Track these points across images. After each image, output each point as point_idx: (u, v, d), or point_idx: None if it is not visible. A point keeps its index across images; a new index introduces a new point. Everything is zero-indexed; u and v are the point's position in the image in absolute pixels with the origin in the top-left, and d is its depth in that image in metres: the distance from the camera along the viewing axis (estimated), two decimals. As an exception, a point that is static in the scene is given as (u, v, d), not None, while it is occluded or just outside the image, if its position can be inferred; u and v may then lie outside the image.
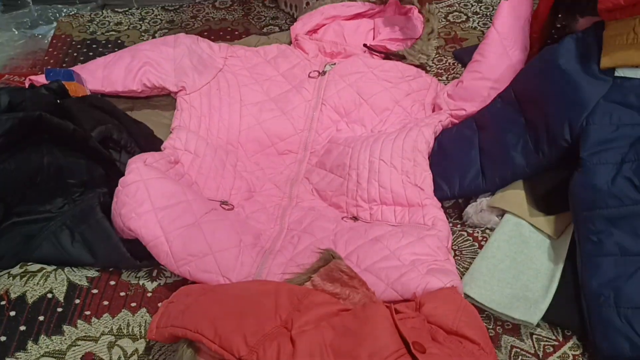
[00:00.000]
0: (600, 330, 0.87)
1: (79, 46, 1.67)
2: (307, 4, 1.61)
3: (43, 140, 1.05)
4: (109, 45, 1.67)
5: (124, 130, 1.12)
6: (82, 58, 1.62)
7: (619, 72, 1.04)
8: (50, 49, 1.67)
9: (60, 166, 1.06)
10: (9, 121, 0.97)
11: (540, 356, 0.89)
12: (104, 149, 1.10)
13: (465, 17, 1.67)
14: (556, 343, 0.90)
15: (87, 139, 1.05)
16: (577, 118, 1.01)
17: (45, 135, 1.05)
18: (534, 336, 0.91)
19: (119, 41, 1.69)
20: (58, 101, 1.14)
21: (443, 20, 1.66)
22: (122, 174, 1.07)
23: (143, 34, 1.71)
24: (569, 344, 0.90)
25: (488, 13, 1.67)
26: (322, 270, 0.91)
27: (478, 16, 1.66)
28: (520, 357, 0.89)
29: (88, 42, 1.69)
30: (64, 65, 1.60)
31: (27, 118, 0.99)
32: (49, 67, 1.58)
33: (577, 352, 0.89)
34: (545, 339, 0.91)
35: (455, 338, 0.78)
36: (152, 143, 1.17)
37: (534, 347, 0.90)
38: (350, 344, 0.72)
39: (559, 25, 1.48)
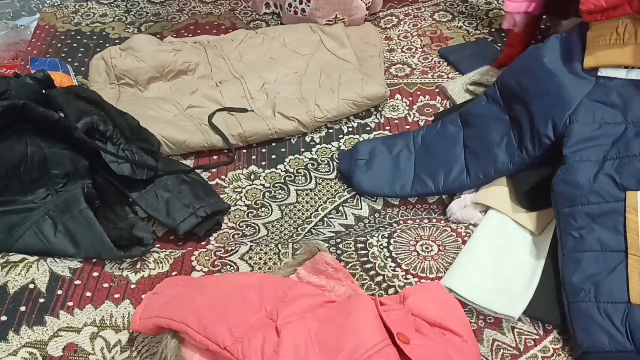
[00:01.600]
0: (580, 325, 0.88)
1: (62, 37, 1.66)
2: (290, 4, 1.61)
3: (27, 131, 1.03)
4: (94, 37, 1.66)
5: (109, 121, 1.11)
6: (65, 49, 1.61)
7: (602, 72, 1.06)
8: (33, 39, 1.65)
9: (44, 156, 1.05)
10: (-8, 109, 0.96)
11: (522, 350, 0.90)
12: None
13: (451, 16, 1.68)
14: (537, 337, 0.91)
15: (72, 130, 1.04)
16: (561, 116, 1.03)
17: (29, 125, 1.03)
18: (516, 330, 0.92)
19: (104, 33, 1.67)
20: (43, 91, 1.12)
21: (429, 18, 1.67)
22: (107, 166, 1.07)
23: (128, 26, 1.70)
24: (550, 337, 0.91)
25: (474, 13, 1.68)
26: (307, 262, 0.91)
27: (464, 15, 1.68)
28: (501, 350, 0.90)
29: (72, 33, 1.67)
30: (47, 56, 1.58)
31: (11, 107, 0.98)
32: (33, 57, 1.56)
33: (558, 346, 0.90)
34: (526, 332, 0.92)
35: (438, 330, 0.79)
36: (138, 134, 1.16)
37: (515, 341, 0.91)
38: (335, 334, 0.73)
39: (542, 26, 1.50)
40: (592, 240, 0.92)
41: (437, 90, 1.44)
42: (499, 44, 1.56)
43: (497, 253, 1.01)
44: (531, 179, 1.07)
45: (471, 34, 1.61)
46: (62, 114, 1.08)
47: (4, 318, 0.93)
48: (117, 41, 1.63)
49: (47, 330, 0.92)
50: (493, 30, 1.62)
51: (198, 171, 1.24)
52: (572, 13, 1.34)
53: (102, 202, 1.10)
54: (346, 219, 1.15)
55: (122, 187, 1.11)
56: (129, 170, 1.08)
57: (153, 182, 1.13)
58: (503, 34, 1.58)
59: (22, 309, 0.94)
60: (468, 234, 1.07)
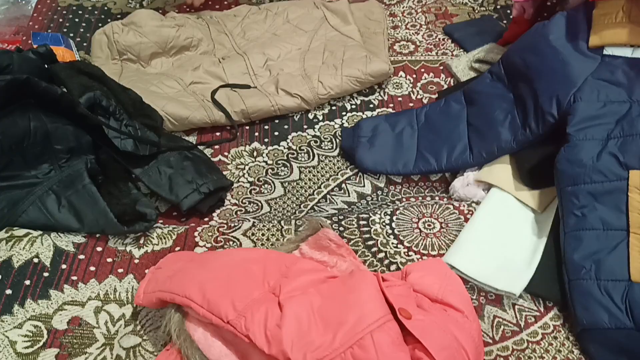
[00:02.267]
0: (580, 302, 0.89)
1: (64, 12, 1.64)
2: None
3: (30, 105, 1.03)
4: (95, 12, 1.65)
5: (112, 97, 1.11)
6: (67, 24, 1.60)
7: (608, 51, 1.05)
8: (34, 14, 1.64)
9: (47, 131, 1.04)
10: (-5, 84, 0.95)
11: (522, 326, 0.90)
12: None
13: (456, -8, 1.66)
14: (537, 313, 0.92)
15: (74, 105, 1.04)
16: (565, 94, 1.02)
17: (31, 100, 1.03)
18: (516, 307, 0.93)
19: (106, 8, 1.66)
20: (46, 66, 1.12)
21: (434, -5, 1.66)
22: (110, 141, 1.07)
23: (130, 1, 1.69)
24: (550, 314, 0.92)
25: (479, -11, 1.66)
26: (310, 238, 0.91)
27: (469, -8, 1.66)
28: (502, 326, 0.90)
29: (74, 8, 1.66)
30: (49, 31, 1.57)
31: (14, 81, 0.97)
32: (34, 32, 1.55)
33: (558, 323, 0.91)
34: (527, 309, 0.93)
35: (440, 306, 0.79)
36: (140, 110, 1.16)
37: (516, 317, 0.92)
38: (337, 309, 0.73)
39: (548, 3, 1.49)
40: (594, 219, 0.93)
41: (442, 67, 1.43)
42: (505, 22, 1.54)
43: (499, 230, 1.02)
44: (534, 157, 1.07)
45: (476, 11, 1.59)
46: (64, 89, 1.08)
47: (9, 292, 0.94)
48: (119, 16, 1.62)
49: (51, 303, 0.93)
50: (498, 7, 1.60)
51: (201, 148, 1.24)
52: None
53: (105, 178, 1.11)
54: (349, 196, 1.16)
55: (125, 163, 1.11)
56: (132, 146, 1.08)
57: (156, 159, 1.13)
58: (509, 11, 1.57)
59: (27, 282, 0.95)
60: (470, 212, 1.07)
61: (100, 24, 1.59)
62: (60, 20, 1.61)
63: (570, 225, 0.95)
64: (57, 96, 1.02)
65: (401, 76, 1.42)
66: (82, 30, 1.58)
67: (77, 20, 1.61)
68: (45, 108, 1.05)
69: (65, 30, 1.58)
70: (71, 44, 1.44)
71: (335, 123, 1.31)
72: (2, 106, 0.99)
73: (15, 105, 1.01)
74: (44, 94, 1.02)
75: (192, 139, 1.28)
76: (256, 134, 1.30)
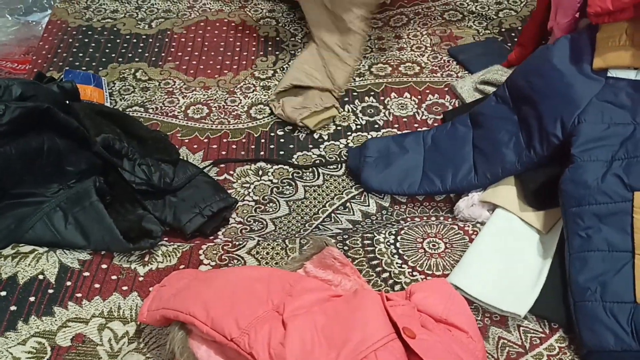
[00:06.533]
0: (586, 324, 0.88)
1: (74, 32, 1.67)
2: None
3: (45, 128, 1.05)
4: (105, 33, 1.67)
5: (124, 138, 1.13)
6: (77, 44, 1.62)
7: (612, 73, 1.06)
8: (45, 34, 1.66)
9: (60, 153, 1.06)
10: (17, 109, 0.99)
11: (527, 347, 0.90)
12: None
13: (461, 15, 1.68)
14: (543, 335, 0.92)
15: (90, 142, 1.06)
16: (570, 116, 1.03)
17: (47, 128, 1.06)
18: (521, 328, 0.92)
19: (115, 29, 1.68)
20: (67, 102, 1.14)
21: (439, 18, 1.67)
22: (124, 179, 1.09)
23: (139, 22, 1.71)
24: (556, 336, 0.91)
25: (484, 13, 1.68)
26: (314, 257, 0.91)
27: (474, 15, 1.68)
28: (507, 348, 0.90)
29: (84, 28, 1.68)
30: (59, 50, 1.59)
31: (35, 109, 1.00)
32: (43, 52, 1.58)
33: (563, 345, 0.90)
34: (532, 331, 0.92)
35: (444, 326, 0.79)
36: (155, 143, 1.18)
37: (521, 339, 0.91)
38: (341, 328, 0.73)
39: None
40: (599, 240, 0.92)
41: (447, 89, 1.44)
42: (509, 44, 1.56)
43: (504, 251, 1.01)
44: (539, 178, 1.07)
45: (481, 34, 1.61)
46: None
47: (13, 308, 0.94)
48: (127, 37, 1.64)
49: (55, 320, 0.93)
50: (503, 30, 1.62)
51: (211, 166, 1.25)
52: (582, 14, 1.33)
53: (113, 198, 1.11)
54: (353, 215, 1.16)
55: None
56: (146, 188, 1.11)
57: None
58: (513, 34, 1.59)
59: (32, 299, 0.95)
60: (475, 232, 1.07)
61: (109, 44, 1.61)
62: (70, 40, 1.63)
63: (575, 247, 0.94)
64: (73, 129, 1.05)
65: (406, 97, 1.43)
66: (91, 50, 1.60)
67: (86, 40, 1.63)
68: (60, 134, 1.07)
69: (74, 50, 1.60)
70: (102, 82, 1.43)
71: (341, 143, 1.32)
72: (20, 131, 1.01)
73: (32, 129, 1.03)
74: (61, 125, 1.04)
75: (197, 156, 1.29)
76: (262, 153, 1.30)
